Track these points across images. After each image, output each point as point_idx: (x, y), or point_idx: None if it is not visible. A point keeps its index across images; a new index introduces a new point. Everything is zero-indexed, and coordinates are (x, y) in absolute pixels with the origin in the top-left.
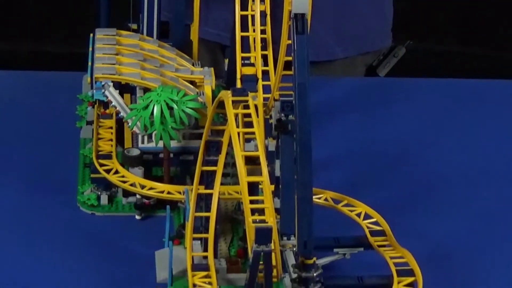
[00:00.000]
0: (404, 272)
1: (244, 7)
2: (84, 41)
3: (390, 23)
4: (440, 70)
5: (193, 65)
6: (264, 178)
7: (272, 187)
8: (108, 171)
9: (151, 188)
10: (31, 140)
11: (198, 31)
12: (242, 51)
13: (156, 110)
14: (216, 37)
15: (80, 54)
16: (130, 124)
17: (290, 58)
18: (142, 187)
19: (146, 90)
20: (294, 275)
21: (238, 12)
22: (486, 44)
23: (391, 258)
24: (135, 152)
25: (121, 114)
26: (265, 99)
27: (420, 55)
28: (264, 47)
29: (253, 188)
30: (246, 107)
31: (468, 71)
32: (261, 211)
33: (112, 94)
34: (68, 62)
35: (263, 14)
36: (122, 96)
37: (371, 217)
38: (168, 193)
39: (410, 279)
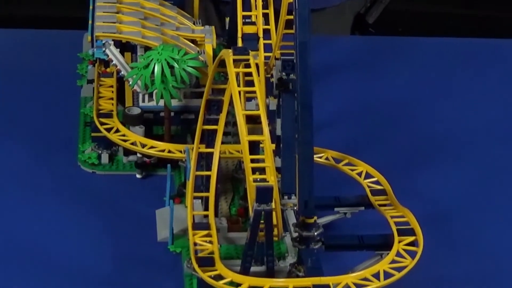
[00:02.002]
0: (405, 231)
1: None
2: (84, 5)
3: None
4: (439, 29)
5: (194, 23)
6: (265, 137)
7: (273, 146)
8: (108, 130)
9: (151, 147)
10: (32, 99)
11: None
12: (243, 10)
13: (157, 69)
14: None
15: (80, 18)
16: (130, 82)
17: (291, 17)
18: (143, 146)
19: (147, 48)
20: (295, 234)
21: None
22: (486, 4)
23: (392, 217)
24: (136, 111)
25: (122, 72)
26: (266, 58)
27: (419, 14)
28: (265, 6)
29: (254, 147)
30: (247, 66)
31: (467, 30)
32: (262, 170)
33: (113, 53)
34: (68, 23)
35: None
36: (123, 55)
37: (372, 176)
38: (169, 152)
39: (410, 238)
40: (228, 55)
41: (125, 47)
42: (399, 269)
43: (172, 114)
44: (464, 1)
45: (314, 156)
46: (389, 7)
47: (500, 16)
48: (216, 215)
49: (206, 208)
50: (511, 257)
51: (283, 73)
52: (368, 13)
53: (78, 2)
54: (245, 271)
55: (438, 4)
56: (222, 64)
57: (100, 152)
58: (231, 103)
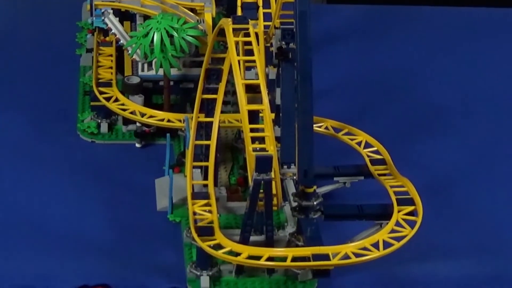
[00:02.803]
0: (404, 201)
1: None
2: None
3: None
4: None
5: None
6: (264, 107)
7: (273, 115)
8: (108, 99)
9: (151, 116)
10: (30, 68)
11: None
12: None
13: (156, 38)
14: None
15: None
16: (130, 51)
17: None
18: (142, 115)
19: (146, 17)
20: (294, 204)
21: None
22: None
23: (391, 187)
24: (135, 80)
25: (121, 41)
26: (265, 27)
27: None
28: None
29: (254, 117)
30: (247, 35)
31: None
32: (262, 140)
33: (112, 22)
34: None
35: None
36: (122, 24)
37: (371, 146)
38: (168, 121)
39: (410, 208)
40: (227, 24)
41: (124, 16)
42: (398, 239)
43: (172, 83)
44: None
45: (314, 125)
46: None
47: None
48: (215, 184)
49: (205, 178)
50: (510, 227)
51: (283, 42)
52: None
53: None
54: (244, 241)
55: None
56: (222, 33)
57: (99, 121)
58: (230, 72)
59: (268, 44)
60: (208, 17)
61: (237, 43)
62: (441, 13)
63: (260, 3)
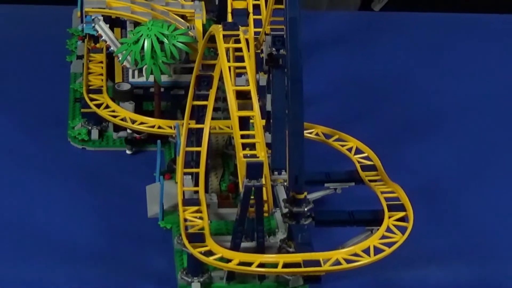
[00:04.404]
0: (395, 206)
1: None
2: None
3: None
4: (432, 4)
5: None
6: (255, 113)
7: (263, 121)
8: (98, 106)
9: (141, 123)
10: (21, 75)
11: None
12: None
13: (146, 44)
14: None
15: None
16: (120, 58)
17: None
18: (133, 121)
19: (136, 24)
20: (285, 210)
21: None
22: None
23: (382, 193)
24: (126, 86)
25: (112, 48)
26: (256, 33)
27: None
28: None
29: (244, 123)
30: (237, 41)
31: (461, 5)
32: (252, 146)
33: (102, 28)
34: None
35: None
36: (113, 30)
37: (362, 152)
38: (159, 127)
39: (401, 214)
40: (218, 30)
41: (114, 22)
42: (389, 245)
43: (162, 89)
44: None
45: (304, 131)
46: None
47: None
48: (206, 191)
49: (196, 184)
50: (501, 230)
51: (273, 49)
52: (374, 1)
53: None
54: (235, 247)
55: None
56: (212, 39)
57: (90, 128)
58: (221, 79)
59: (259, 51)
60: (198, 24)
61: (227, 49)
62: (431, 19)
63: (251, 9)
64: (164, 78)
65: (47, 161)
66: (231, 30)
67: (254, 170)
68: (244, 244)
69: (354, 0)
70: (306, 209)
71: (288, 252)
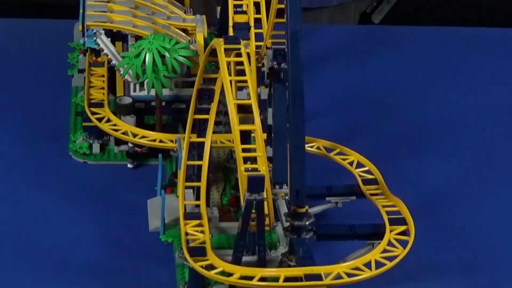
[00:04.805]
0: (396, 220)
1: None
2: None
3: None
4: (432, 18)
5: (185, 12)
6: (256, 127)
7: (265, 135)
8: (100, 120)
9: (143, 137)
10: (22, 88)
11: None
12: None
13: (148, 58)
14: None
15: (71, 2)
16: (122, 72)
17: (282, 6)
18: (134, 135)
19: (138, 38)
20: (286, 224)
21: None
22: None
23: (383, 206)
24: (127, 100)
25: (113, 62)
26: (257, 47)
27: (412, 3)
28: None
29: (246, 137)
30: (239, 55)
31: (460, 19)
32: (254, 160)
33: (104, 42)
34: (59, 10)
35: None
36: (114, 44)
37: (363, 166)
38: (160, 141)
39: (402, 228)
40: (219, 44)
41: (116, 36)
42: (390, 259)
43: (163, 103)
44: None
45: (306, 145)
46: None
47: (491, 4)
48: (207, 204)
49: (197, 198)
50: (502, 244)
51: (275, 62)
52: (374, 13)
53: None
54: (236, 261)
55: None
56: (213, 53)
57: (91, 141)
58: (222, 93)
59: (260, 64)
60: (199, 38)
61: (229, 63)
62: (431, 33)
63: (252, 23)
64: (166, 92)
65: (48, 175)
66: (232, 44)
67: (256, 184)
68: (245, 258)
69: (353, 14)
70: (307, 223)
71: (290, 266)
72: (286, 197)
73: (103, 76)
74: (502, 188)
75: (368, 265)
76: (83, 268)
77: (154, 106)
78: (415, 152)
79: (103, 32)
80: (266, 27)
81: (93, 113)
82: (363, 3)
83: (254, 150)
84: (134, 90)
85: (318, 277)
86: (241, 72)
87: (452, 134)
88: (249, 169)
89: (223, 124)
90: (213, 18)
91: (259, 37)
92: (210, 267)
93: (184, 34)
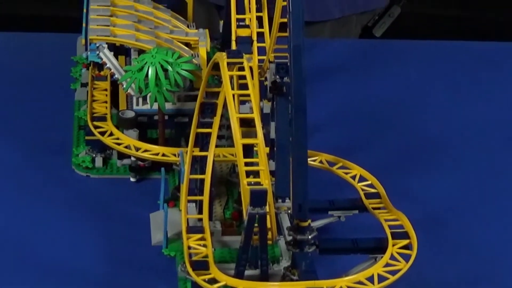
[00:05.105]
0: (399, 234)
1: None
2: (79, 3)
3: None
4: (433, 32)
5: (188, 26)
6: (259, 141)
7: (267, 149)
8: (102, 133)
9: (146, 150)
10: (25, 102)
11: None
12: (237, 13)
13: (150, 72)
14: None
15: (74, 16)
16: (124, 86)
17: (285, 20)
18: (137, 149)
19: (140, 52)
20: (289, 238)
21: None
22: (481, 6)
23: (386, 220)
24: (130, 114)
25: (116, 76)
26: (260, 61)
27: (414, 17)
28: (259, 9)
29: (248, 151)
30: (241, 69)
31: (461, 33)
32: (256, 174)
33: (107, 56)
34: (62, 24)
35: None
36: (117, 58)
37: (366, 180)
38: (163, 155)
39: (404, 242)
40: (222, 58)
41: (119, 50)
42: (393, 273)
43: (166, 117)
44: (462, 2)
45: (308, 159)
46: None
47: (495, 18)
48: (210, 218)
49: (200, 212)
50: (506, 259)
51: (277, 76)
52: (375, 27)
53: (72, 2)
54: (239, 275)
55: (437, 7)
56: (216, 67)
57: (94, 155)
58: (225, 106)
59: (263, 78)
60: (202, 51)
61: (231, 77)
62: (433, 47)
63: (255, 37)
64: (168, 106)
65: (51, 189)
66: (235, 57)
67: (258, 197)
68: (248, 272)
69: (355, 27)
70: (310, 236)
71: (292, 280)
72: (289, 211)
73: (106, 90)
74: (505, 202)
75: (370, 279)
76: (86, 282)
77: (157, 120)
78: (417, 166)
79: (106, 46)
80: (269, 41)
81: (96, 127)
82: (365, 16)
83: (257, 164)
84: (137, 104)
85: None
86: (244, 86)
87: (454, 148)
88: (252, 183)
89: (225, 138)
90: (216, 32)
91: (261, 51)
92: (213, 281)
93: (187, 48)
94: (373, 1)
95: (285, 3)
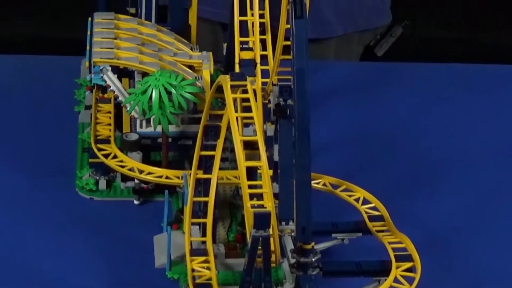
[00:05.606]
0: (403, 257)
1: None
2: (83, 26)
3: (389, 0)
4: (435, 54)
5: (191, 49)
6: (262, 163)
7: (271, 172)
8: (106, 156)
9: (149, 173)
10: (29, 125)
11: (200, 10)
12: (241, 36)
13: (154, 95)
14: (218, 16)
15: (78, 39)
16: (128, 108)
17: (288, 43)
18: (141, 171)
19: (144, 74)
20: (293, 260)
21: None
22: (482, 29)
23: (390, 243)
24: (134, 136)
25: (120, 98)
26: (263, 83)
27: (416, 39)
28: (262, 32)
29: (252, 173)
30: (245, 91)
31: (462, 56)
32: (260, 196)
33: (111, 79)
34: (66, 46)
35: None
36: (121, 81)
37: (369, 202)
38: (167, 178)
39: (408, 264)
40: (225, 80)
41: (122, 73)
42: None
43: (170, 140)
44: (467, 26)
45: (312, 181)
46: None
47: (498, 40)
48: (214, 241)
49: (203, 234)
50: (509, 280)
51: (281, 99)
52: (377, 46)
53: (76, 24)
54: None
55: (440, 29)
56: (220, 89)
57: (97, 178)
58: (228, 129)
59: (266, 101)
60: (206, 74)
61: (235, 99)
62: (435, 70)
63: (258, 60)
64: (172, 128)
65: (54, 211)
66: (238, 80)
67: (262, 220)
68: None
69: (357, 46)
70: (313, 259)
71: None
72: (292, 234)
73: (109, 112)
74: (508, 223)
75: None
76: None
77: (161, 142)
78: (421, 188)
79: (109, 68)
80: (272, 63)
81: (100, 149)
82: (367, 36)
83: (260, 187)
84: (141, 127)
85: None
86: (247, 109)
87: (457, 170)
88: (255, 205)
89: (229, 161)
90: (219, 55)
91: (265, 73)
92: None
93: (190, 71)
94: (374, 20)
95: (288, 26)
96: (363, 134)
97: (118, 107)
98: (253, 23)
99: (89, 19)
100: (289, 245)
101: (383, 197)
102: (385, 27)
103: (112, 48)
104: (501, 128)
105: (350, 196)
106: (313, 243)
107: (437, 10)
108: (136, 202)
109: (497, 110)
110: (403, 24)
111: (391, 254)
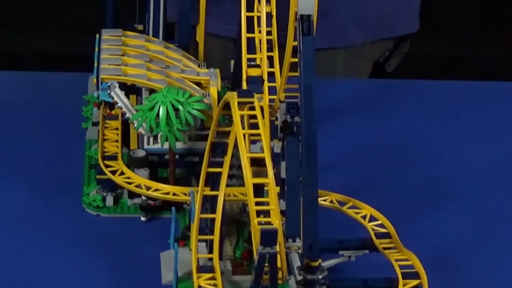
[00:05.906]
0: (409, 274)
1: (250, 8)
2: (90, 42)
3: (415, 8)
4: (443, 72)
5: (199, 66)
6: (269, 180)
7: (278, 189)
8: (113, 172)
9: (156, 190)
10: (36, 141)
11: (211, 27)
12: (248, 53)
13: (161, 111)
14: (229, 32)
15: (86, 56)
16: (135, 125)
17: (296, 60)
18: (148, 188)
19: (151, 91)
20: (299, 277)
21: (244, 13)
22: (490, 46)
23: (396, 260)
24: (141, 153)
25: (127, 115)
26: (271, 100)
27: (424, 57)
28: (270, 49)
29: (259, 190)
30: (252, 108)
31: (470, 73)
32: (267, 213)
33: (118, 95)
34: (73, 63)
35: (269, 15)
36: (128, 97)
37: (376, 219)
38: (174, 194)
39: (415, 282)
40: (232, 97)
41: (130, 89)
42: None
43: (177, 156)
44: (474, 43)
45: (319, 199)
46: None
47: (506, 57)
48: (220, 258)
49: (210, 251)
50: None
51: (288, 116)
52: (387, 62)
53: (84, 40)
54: None
55: (449, 47)
56: (227, 106)
57: (104, 194)
58: (235, 146)
59: (273, 118)
60: (213, 91)
61: (242, 116)
62: (441, 87)
63: (265, 76)
64: (179, 145)
65: (61, 228)
66: (246, 97)
67: (269, 237)
68: None
69: (366, 61)
70: (320, 276)
71: None
72: (299, 251)
73: (117, 129)
74: None
75: None
76: None
77: (168, 159)
78: (428, 205)
79: (117, 85)
80: (280, 80)
81: (107, 166)
82: (376, 51)
83: (267, 204)
84: (148, 143)
85: None
86: (255, 126)
87: (465, 187)
88: (262, 222)
89: (236, 177)
90: (226, 72)
91: (272, 90)
92: None
93: (198, 88)
94: (402, 27)
95: (295, 43)
96: (370, 151)
97: (126, 124)
98: (260, 40)
99: (97, 35)
100: (296, 262)
101: (390, 214)
102: (408, 33)
103: (119, 65)
104: (509, 145)
105: (357, 213)
106: (320, 260)
107: (443, 27)
108: (143, 218)
109: (507, 127)
110: (410, 39)
111: (398, 271)
